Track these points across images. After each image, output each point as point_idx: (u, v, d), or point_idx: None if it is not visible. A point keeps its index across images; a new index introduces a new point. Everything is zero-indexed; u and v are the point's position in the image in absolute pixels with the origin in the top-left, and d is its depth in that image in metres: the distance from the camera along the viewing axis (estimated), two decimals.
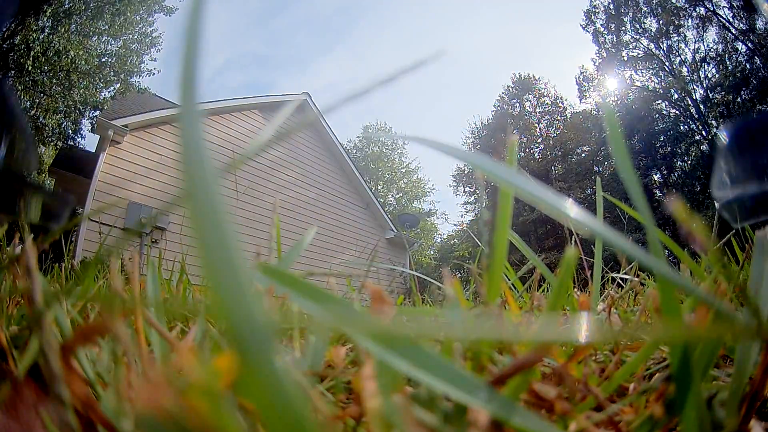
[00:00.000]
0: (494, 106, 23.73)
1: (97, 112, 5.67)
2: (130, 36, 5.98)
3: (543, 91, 21.69)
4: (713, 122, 18.36)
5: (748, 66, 16.48)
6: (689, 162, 19.06)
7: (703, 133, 19.06)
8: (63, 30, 5.36)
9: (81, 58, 4.91)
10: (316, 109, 10.52)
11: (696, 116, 19.02)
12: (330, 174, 11.06)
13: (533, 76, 21.90)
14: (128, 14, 5.69)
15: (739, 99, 17.12)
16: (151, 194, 6.73)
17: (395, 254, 12.96)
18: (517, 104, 22.30)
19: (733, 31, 17.20)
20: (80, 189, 6.40)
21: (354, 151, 28.00)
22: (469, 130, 25.51)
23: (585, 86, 25.10)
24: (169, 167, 7.08)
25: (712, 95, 18.18)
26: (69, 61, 4.75)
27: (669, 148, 19.69)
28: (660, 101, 20.96)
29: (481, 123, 25.08)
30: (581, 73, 24.79)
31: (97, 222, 5.75)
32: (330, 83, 64.66)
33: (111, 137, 6.04)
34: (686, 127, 19.92)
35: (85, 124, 6.26)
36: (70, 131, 6.45)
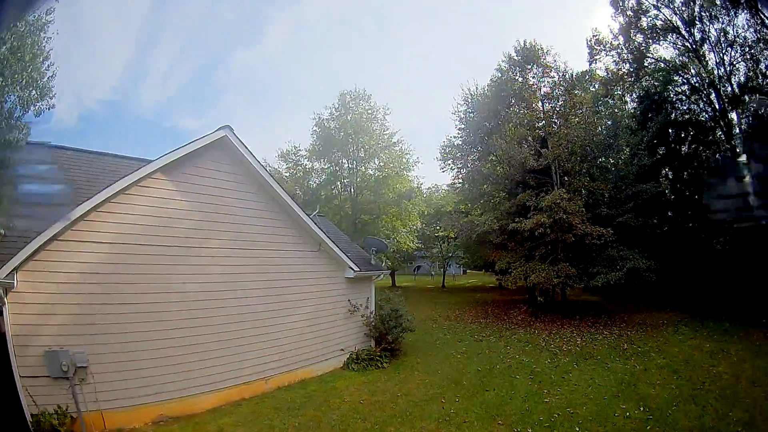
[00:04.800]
0: (494, 72, 19.95)
1: None
2: None
3: (550, 63, 18.20)
4: (734, 117, 15.88)
5: None
6: (703, 160, 16.81)
7: (721, 123, 16.53)
8: None
9: None
10: (241, 144, 8.14)
11: (717, 105, 16.38)
12: (271, 220, 9.01)
13: (539, 45, 18.24)
14: None
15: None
16: (66, 331, 6.05)
17: (358, 291, 11.33)
18: (519, 76, 18.77)
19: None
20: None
21: (330, 121, 24.98)
22: (462, 97, 21.82)
23: (596, 50, 21.74)
24: (69, 293, 6.11)
25: (737, 87, 15.47)
26: None
27: (686, 145, 17.42)
28: (678, 80, 18.03)
29: (477, 90, 21.46)
30: (594, 36, 21.23)
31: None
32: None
33: (3, 295, 5.46)
34: (704, 113, 17.31)
35: None
36: None
